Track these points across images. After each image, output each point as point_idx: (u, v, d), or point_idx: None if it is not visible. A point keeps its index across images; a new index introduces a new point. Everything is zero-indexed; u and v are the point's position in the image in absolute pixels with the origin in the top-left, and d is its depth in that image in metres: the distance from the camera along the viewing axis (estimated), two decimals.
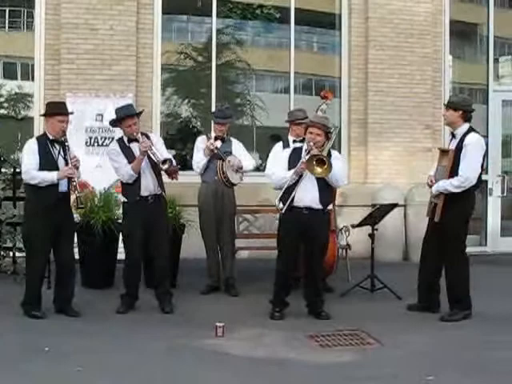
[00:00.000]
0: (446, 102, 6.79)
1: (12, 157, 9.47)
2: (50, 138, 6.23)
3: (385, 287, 7.26)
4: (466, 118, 6.45)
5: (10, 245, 7.81)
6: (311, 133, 6.24)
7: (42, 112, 6.66)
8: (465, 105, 6.51)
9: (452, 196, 6.32)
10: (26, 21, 10.04)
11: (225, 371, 4.91)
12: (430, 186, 6.55)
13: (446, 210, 6.35)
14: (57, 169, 6.13)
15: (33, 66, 9.73)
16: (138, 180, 6.45)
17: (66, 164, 6.18)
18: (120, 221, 7.60)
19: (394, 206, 7.68)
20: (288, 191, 6.22)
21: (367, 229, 7.48)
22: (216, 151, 7.29)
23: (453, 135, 6.53)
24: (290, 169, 6.29)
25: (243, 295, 7.30)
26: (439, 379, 4.73)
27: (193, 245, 7.78)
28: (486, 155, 6.45)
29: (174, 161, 6.54)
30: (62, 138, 6.23)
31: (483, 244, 10.87)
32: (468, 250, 6.53)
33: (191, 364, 5.04)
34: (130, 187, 6.50)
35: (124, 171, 6.44)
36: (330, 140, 6.49)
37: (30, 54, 9.72)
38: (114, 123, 6.71)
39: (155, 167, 6.47)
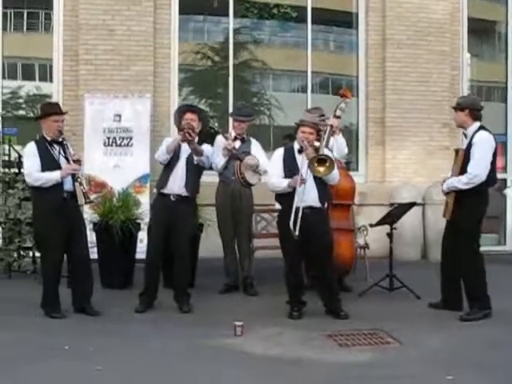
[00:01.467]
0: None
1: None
2: (48, 139, 6.25)
3: (404, 286, 7.23)
4: (475, 116, 6.47)
5: (29, 244, 7.88)
6: (303, 132, 6.29)
7: None
8: (471, 104, 6.54)
9: (463, 194, 6.31)
10: (43, 22, 10.12)
11: (244, 370, 4.92)
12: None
13: (457, 209, 6.37)
14: (59, 168, 6.16)
15: (51, 67, 9.81)
16: (167, 174, 6.54)
17: (68, 162, 6.21)
18: (138, 220, 7.69)
19: (413, 204, 7.65)
20: (288, 197, 6.22)
21: (385, 228, 7.45)
22: (234, 151, 7.30)
23: (465, 135, 6.57)
24: (285, 171, 6.33)
25: (261, 294, 7.32)
26: (458, 379, 4.70)
27: (211, 244, 7.81)
28: (495, 153, 6.41)
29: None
30: (60, 138, 6.26)
31: (502, 243, 10.80)
32: (487, 249, 6.54)
33: (210, 363, 5.05)
34: (160, 180, 6.62)
35: (161, 149, 6.57)
36: (322, 139, 6.50)
37: (48, 56, 9.80)
38: (176, 115, 6.79)
39: (191, 167, 6.51)
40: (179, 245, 6.54)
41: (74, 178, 6.21)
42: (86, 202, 6.36)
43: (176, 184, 6.52)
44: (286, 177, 6.32)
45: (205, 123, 6.84)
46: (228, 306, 6.85)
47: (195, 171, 6.60)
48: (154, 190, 6.88)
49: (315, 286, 6.72)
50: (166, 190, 6.55)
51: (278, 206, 6.55)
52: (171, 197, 6.52)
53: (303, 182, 6.14)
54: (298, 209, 6.12)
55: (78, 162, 6.25)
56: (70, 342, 5.38)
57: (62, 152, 6.26)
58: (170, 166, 6.57)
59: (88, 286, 6.39)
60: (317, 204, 6.28)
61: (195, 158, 6.53)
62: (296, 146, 6.39)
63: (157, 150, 6.76)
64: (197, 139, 6.52)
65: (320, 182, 6.28)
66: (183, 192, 6.53)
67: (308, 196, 6.22)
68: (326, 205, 6.41)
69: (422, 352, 5.34)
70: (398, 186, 9.88)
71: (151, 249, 6.58)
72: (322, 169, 6.14)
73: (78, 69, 9.45)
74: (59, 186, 6.14)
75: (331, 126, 7.18)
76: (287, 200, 6.22)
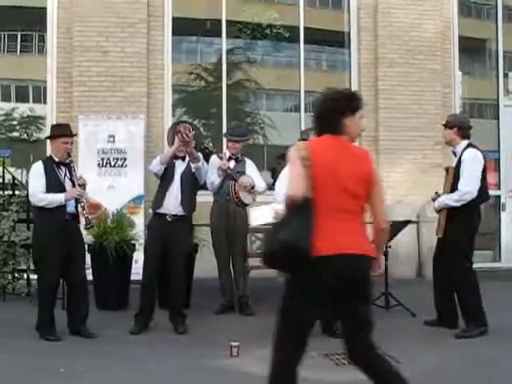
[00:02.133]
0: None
1: (25, 179, 9.54)
2: (56, 160, 6.28)
3: (399, 304, 7.23)
4: (463, 134, 6.55)
5: (24, 267, 7.86)
6: None
7: None
8: (459, 122, 6.63)
9: (455, 211, 6.36)
10: (37, 44, 10.16)
11: None
12: (434, 201, 6.62)
13: (449, 226, 6.42)
14: (63, 190, 6.18)
15: (44, 88, 9.83)
16: (162, 194, 6.53)
17: (73, 185, 6.23)
18: (133, 241, 7.68)
19: (407, 222, 7.67)
20: None
21: None
22: (229, 171, 7.31)
23: (454, 153, 6.64)
24: None
25: (257, 314, 7.30)
26: None
27: (206, 264, 7.79)
28: (485, 169, 6.48)
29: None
30: (68, 160, 6.28)
31: (497, 260, 10.81)
32: (482, 265, 6.55)
33: None
34: (155, 199, 6.62)
35: (155, 159, 6.59)
36: None
37: (42, 77, 9.83)
38: (170, 132, 6.79)
39: (186, 186, 6.53)
40: (175, 264, 6.52)
41: (78, 201, 6.22)
42: (86, 228, 6.38)
43: (171, 203, 6.52)
44: None
45: (198, 140, 6.85)
46: (224, 326, 6.83)
47: (190, 189, 6.60)
48: (150, 211, 6.87)
49: None
50: (161, 210, 6.54)
51: None
52: (167, 217, 6.52)
53: None
54: None
55: (83, 186, 6.26)
56: (66, 365, 5.34)
57: (67, 174, 6.28)
58: (164, 185, 6.57)
59: (84, 309, 6.36)
60: None
61: (192, 165, 6.52)
62: None
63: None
64: (194, 143, 6.50)
65: None
66: (179, 211, 6.53)
67: None
68: None
69: (419, 370, 5.30)
70: (392, 205, 9.88)
71: (147, 269, 6.56)
72: None
73: (71, 90, 9.48)
74: (62, 207, 6.15)
75: None
76: None
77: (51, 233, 6.10)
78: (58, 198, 6.11)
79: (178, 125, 6.71)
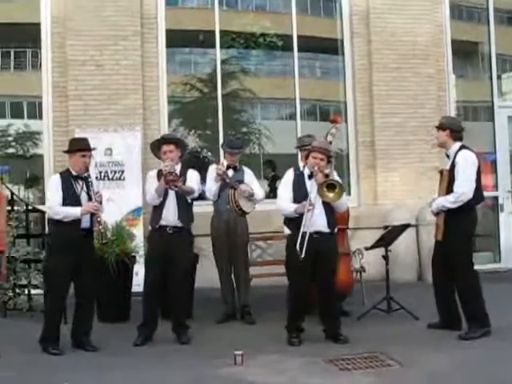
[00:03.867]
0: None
1: (23, 195, 9.54)
2: (74, 173, 6.31)
3: (401, 308, 7.23)
4: (456, 137, 6.60)
5: (24, 282, 7.83)
6: (315, 158, 6.31)
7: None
8: (451, 124, 6.68)
9: (452, 214, 6.39)
10: (31, 60, 10.18)
11: None
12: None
13: (447, 229, 6.45)
14: (79, 204, 6.20)
15: (39, 104, 9.83)
16: (160, 208, 6.52)
17: (90, 199, 6.24)
18: (133, 253, 7.68)
19: (407, 226, 7.68)
20: (297, 220, 6.22)
21: (380, 251, 7.48)
22: (225, 177, 7.32)
23: (447, 156, 6.67)
24: (294, 195, 6.34)
25: (259, 322, 7.29)
26: None
27: (207, 274, 7.79)
28: (479, 170, 6.52)
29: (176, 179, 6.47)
30: (85, 174, 6.30)
31: (497, 261, 10.82)
32: (482, 267, 6.57)
33: None
34: (153, 215, 6.61)
35: (150, 192, 6.56)
36: (331, 164, 6.53)
37: (36, 93, 9.82)
38: (154, 150, 6.80)
39: (181, 198, 6.52)
40: (177, 277, 6.51)
41: (94, 216, 6.23)
42: (101, 243, 6.40)
43: (170, 217, 6.52)
44: (294, 201, 6.32)
45: (184, 149, 6.86)
46: (227, 335, 6.82)
47: (186, 201, 6.61)
48: (149, 227, 6.87)
49: (312, 312, 6.72)
50: (162, 223, 6.53)
51: (286, 231, 6.49)
52: (168, 229, 6.52)
53: (311, 207, 6.14)
54: (304, 233, 6.11)
55: (99, 202, 6.27)
56: (70, 378, 5.32)
57: (84, 188, 6.30)
58: (160, 201, 6.56)
59: (88, 321, 6.37)
60: (325, 229, 6.28)
61: (188, 197, 6.56)
62: (306, 171, 6.41)
63: (144, 190, 6.75)
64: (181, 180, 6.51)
65: (328, 208, 6.29)
66: (178, 223, 6.54)
67: (316, 221, 6.22)
68: (335, 230, 6.42)
69: (423, 373, 5.32)
70: (390, 209, 9.91)
71: (150, 280, 6.54)
72: (331, 194, 6.16)
73: (67, 105, 9.47)
74: (77, 222, 6.17)
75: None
76: (296, 224, 6.23)
77: (65, 246, 6.12)
78: (73, 212, 6.13)
79: (157, 142, 6.72)
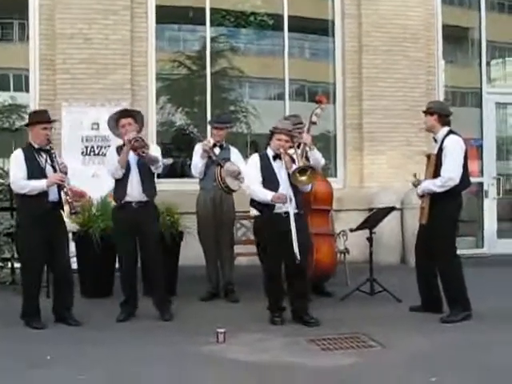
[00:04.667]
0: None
1: (8, 168, 9.47)
2: (36, 146, 6.23)
3: (384, 290, 7.28)
4: (443, 121, 6.61)
5: (8, 255, 7.80)
6: (279, 140, 6.32)
7: None
8: (439, 108, 6.69)
9: (437, 198, 6.42)
10: (17, 32, 10.06)
11: (227, 377, 4.93)
12: (415, 186, 6.69)
13: (432, 213, 6.47)
14: (45, 177, 6.13)
15: (26, 77, 9.74)
16: (123, 183, 6.47)
17: (55, 171, 6.18)
18: None
19: (392, 209, 7.71)
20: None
21: (364, 233, 7.50)
22: (212, 154, 7.30)
23: (435, 140, 6.68)
24: (263, 177, 6.33)
25: (243, 301, 7.31)
26: (442, 381, 4.74)
27: (191, 252, 7.78)
28: (466, 156, 6.54)
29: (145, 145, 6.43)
30: (48, 146, 6.24)
31: (480, 246, 10.90)
32: (465, 252, 6.63)
33: (193, 370, 5.04)
34: (117, 190, 6.56)
35: (111, 165, 6.48)
36: (296, 149, 6.53)
37: (23, 65, 9.72)
38: (112, 128, 6.68)
39: (144, 172, 6.48)
40: (150, 252, 6.51)
41: (60, 187, 6.17)
42: (71, 213, 6.31)
43: (135, 191, 6.48)
44: (263, 183, 6.32)
45: (142, 122, 6.77)
46: (210, 312, 6.84)
47: (149, 175, 6.57)
48: (112, 203, 6.79)
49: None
50: (127, 199, 6.48)
51: (254, 212, 6.51)
52: (133, 204, 6.48)
53: (291, 202, 6.15)
54: (286, 213, 6.15)
55: (64, 172, 6.21)
56: (52, 352, 5.33)
57: (48, 160, 6.23)
58: (123, 175, 6.51)
59: (69, 296, 6.34)
60: (295, 210, 6.29)
61: (152, 167, 6.49)
62: (270, 153, 6.42)
63: (108, 170, 6.66)
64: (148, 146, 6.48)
65: (295, 188, 6.30)
66: (143, 198, 6.51)
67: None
68: (302, 209, 6.43)
69: (404, 355, 5.36)
70: (376, 191, 9.94)
71: (124, 257, 6.56)
72: (304, 178, 6.17)
73: (54, 78, 9.40)
74: (44, 195, 6.10)
75: (304, 144, 7.15)
76: (265, 206, 6.24)
77: (33, 221, 6.06)
78: (39, 185, 6.06)
79: (115, 115, 6.61)
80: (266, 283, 6.52)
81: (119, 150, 6.54)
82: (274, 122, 7.66)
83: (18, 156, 6.21)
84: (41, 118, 6.31)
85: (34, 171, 6.12)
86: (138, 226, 6.43)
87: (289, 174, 6.20)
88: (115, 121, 6.61)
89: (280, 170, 6.29)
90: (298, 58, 11.08)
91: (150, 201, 6.58)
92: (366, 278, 7.40)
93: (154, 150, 6.66)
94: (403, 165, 10.13)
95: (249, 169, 6.59)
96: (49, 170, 6.21)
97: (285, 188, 6.23)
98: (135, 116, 6.67)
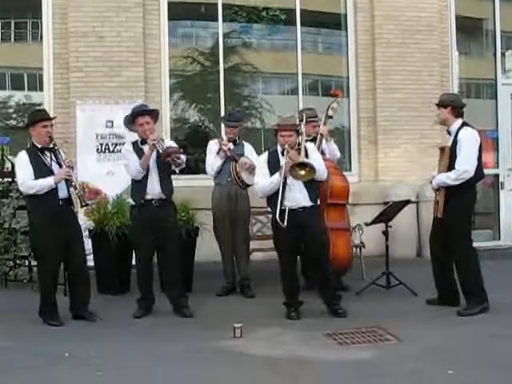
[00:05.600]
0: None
1: None
2: (39, 146, 6.24)
3: (400, 284, 7.26)
4: (457, 113, 6.57)
5: (25, 253, 7.85)
6: (283, 136, 6.31)
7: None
8: (452, 101, 6.65)
9: (452, 191, 6.38)
10: (31, 31, 10.11)
11: (245, 371, 4.93)
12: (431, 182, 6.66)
13: (447, 206, 6.43)
14: (53, 175, 6.14)
15: (40, 76, 9.79)
16: (143, 182, 6.48)
17: (61, 168, 6.20)
18: None
19: (407, 202, 7.68)
20: (276, 195, 6.24)
21: (380, 227, 7.49)
22: (229, 153, 7.31)
23: (448, 133, 6.64)
24: (270, 173, 6.35)
25: (259, 296, 7.32)
26: (459, 374, 4.73)
27: (207, 248, 7.81)
28: (481, 148, 6.49)
29: (178, 151, 6.47)
30: (51, 144, 6.25)
31: (496, 238, 10.83)
32: (482, 244, 6.60)
33: (211, 366, 5.05)
34: (137, 189, 6.56)
35: (133, 167, 6.49)
36: (301, 135, 6.50)
37: (37, 65, 9.77)
38: (127, 124, 6.71)
39: (163, 170, 6.49)
40: (169, 248, 6.53)
41: (68, 183, 6.19)
42: (82, 206, 6.34)
43: (155, 189, 6.50)
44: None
45: (157, 119, 6.77)
46: (226, 308, 6.86)
47: (167, 173, 6.58)
48: (131, 201, 6.81)
49: (311, 286, 6.76)
50: (148, 196, 6.50)
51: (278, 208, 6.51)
52: (153, 202, 6.50)
53: (284, 172, 6.15)
54: (283, 204, 6.17)
55: (70, 167, 6.23)
56: (70, 349, 5.36)
57: (53, 158, 6.25)
58: None
59: (85, 293, 6.39)
60: (307, 203, 6.29)
61: (176, 168, 6.45)
62: (279, 149, 6.43)
63: (124, 165, 6.67)
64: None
65: (308, 181, 6.28)
66: (162, 196, 6.53)
67: (296, 196, 6.26)
68: (317, 202, 6.42)
69: (421, 348, 5.35)
70: (391, 185, 9.90)
71: (142, 256, 6.58)
72: (302, 172, 6.16)
73: (68, 76, 9.43)
74: (54, 193, 6.12)
75: (321, 135, 7.20)
76: (274, 201, 6.25)
77: (46, 220, 6.09)
78: (47, 182, 6.07)
79: (133, 114, 6.57)
80: (282, 279, 6.52)
81: (136, 146, 6.56)
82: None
83: (22, 158, 6.22)
84: (41, 116, 6.32)
85: (41, 171, 6.13)
86: (157, 223, 6.44)
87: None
88: (132, 120, 6.61)
89: (286, 164, 6.27)
90: (311, 52, 11.05)
91: (168, 198, 6.59)
92: (381, 272, 7.38)
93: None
94: (418, 158, 10.09)
95: (257, 168, 6.61)
96: (55, 167, 6.23)
97: (296, 182, 6.22)
98: (153, 114, 6.68)
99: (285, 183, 6.25)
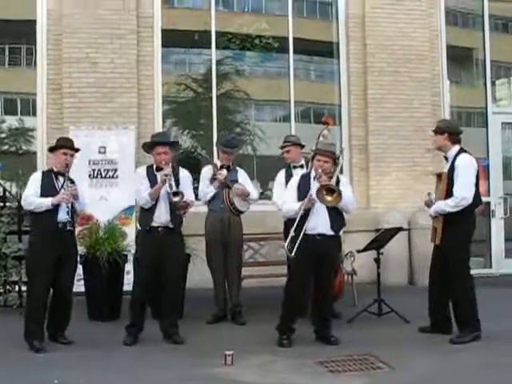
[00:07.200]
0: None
1: (15, 191, 9.50)
2: (55, 170, 6.41)
3: (392, 311, 7.24)
4: (454, 140, 6.59)
5: (15, 278, 7.81)
6: (319, 160, 6.30)
7: (46, 146, 6.82)
8: (449, 127, 6.68)
9: (451, 218, 6.37)
10: (25, 57, 10.16)
11: None
12: (428, 206, 6.63)
13: (446, 233, 6.42)
14: None
15: (33, 101, 9.81)
16: (151, 209, 6.48)
17: None
18: (125, 252, 7.65)
19: (399, 229, 7.69)
20: (301, 219, 6.22)
21: (371, 254, 7.49)
22: (227, 182, 7.32)
23: (446, 159, 6.65)
24: (299, 197, 6.33)
25: (250, 323, 7.27)
26: None
27: (198, 274, 7.78)
28: (478, 175, 6.51)
29: (189, 199, 6.52)
30: (65, 171, 6.35)
31: (488, 266, 10.85)
32: (473, 272, 6.54)
33: None
34: (144, 215, 6.57)
35: (142, 195, 6.49)
36: (337, 166, 6.51)
37: (31, 90, 9.80)
38: (147, 149, 6.76)
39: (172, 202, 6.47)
40: (171, 279, 6.48)
41: (72, 210, 6.30)
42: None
43: (162, 217, 6.49)
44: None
45: (177, 150, 6.85)
46: (217, 335, 6.82)
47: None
48: (138, 227, 6.82)
49: (303, 314, 6.74)
50: (154, 223, 6.49)
51: (293, 234, 6.36)
52: (159, 229, 6.49)
53: (312, 201, 6.13)
54: (303, 233, 6.14)
55: (73, 194, 6.28)
56: (59, 376, 5.30)
57: (64, 184, 6.33)
58: None
59: (65, 316, 6.42)
60: (328, 231, 6.27)
61: (168, 189, 6.43)
62: (313, 174, 6.41)
63: (135, 189, 6.67)
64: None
65: (333, 210, 6.26)
66: (169, 224, 6.51)
67: (320, 224, 6.23)
68: (340, 233, 6.42)
69: (413, 376, 5.32)
70: (383, 212, 9.93)
71: (140, 285, 6.48)
72: (329, 198, 6.13)
73: (61, 102, 9.47)
74: (52, 214, 6.20)
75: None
76: (298, 226, 6.22)
77: (44, 240, 6.18)
78: (46, 202, 6.20)
79: (152, 142, 6.62)
80: (286, 301, 6.39)
81: (149, 171, 6.58)
82: (280, 144, 7.74)
83: (35, 176, 6.47)
84: (63, 144, 6.51)
85: (49, 192, 6.26)
86: (162, 252, 6.41)
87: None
88: (151, 146, 6.64)
89: (315, 188, 6.23)
90: (304, 79, 11.14)
91: (175, 228, 6.58)
92: (373, 299, 7.37)
93: (188, 180, 6.72)
94: (410, 185, 10.14)
95: (287, 189, 6.59)
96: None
97: (321, 209, 6.21)
98: (173, 145, 6.77)
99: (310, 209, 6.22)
